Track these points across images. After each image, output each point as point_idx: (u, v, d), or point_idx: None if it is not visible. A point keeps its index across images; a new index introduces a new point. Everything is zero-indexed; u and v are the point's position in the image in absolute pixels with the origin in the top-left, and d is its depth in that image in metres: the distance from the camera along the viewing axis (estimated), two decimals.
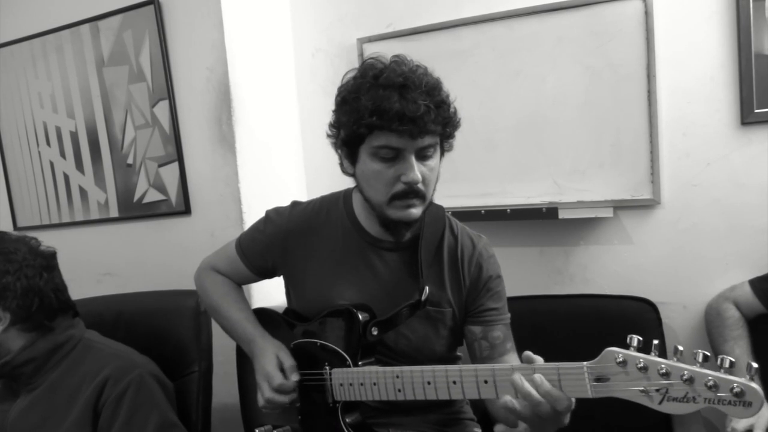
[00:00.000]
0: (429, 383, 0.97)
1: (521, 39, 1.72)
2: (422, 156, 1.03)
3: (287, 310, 1.27)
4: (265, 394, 1.10)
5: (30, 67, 2.06)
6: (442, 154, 1.10)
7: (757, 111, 1.52)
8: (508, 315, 1.19)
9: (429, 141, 1.02)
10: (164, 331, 1.43)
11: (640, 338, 0.80)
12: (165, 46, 1.80)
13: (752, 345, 1.47)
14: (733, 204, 1.58)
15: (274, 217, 1.24)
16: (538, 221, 1.74)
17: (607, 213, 1.67)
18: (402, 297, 1.10)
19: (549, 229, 1.77)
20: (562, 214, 1.68)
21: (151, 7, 1.79)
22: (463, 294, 1.16)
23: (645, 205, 1.65)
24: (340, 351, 1.09)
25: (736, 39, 1.53)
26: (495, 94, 1.76)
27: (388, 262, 1.16)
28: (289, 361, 1.11)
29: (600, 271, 1.74)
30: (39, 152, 2.11)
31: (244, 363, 1.27)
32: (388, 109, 0.97)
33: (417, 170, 1.01)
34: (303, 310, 1.22)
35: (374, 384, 1.03)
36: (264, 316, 1.26)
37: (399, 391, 1.00)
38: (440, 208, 1.19)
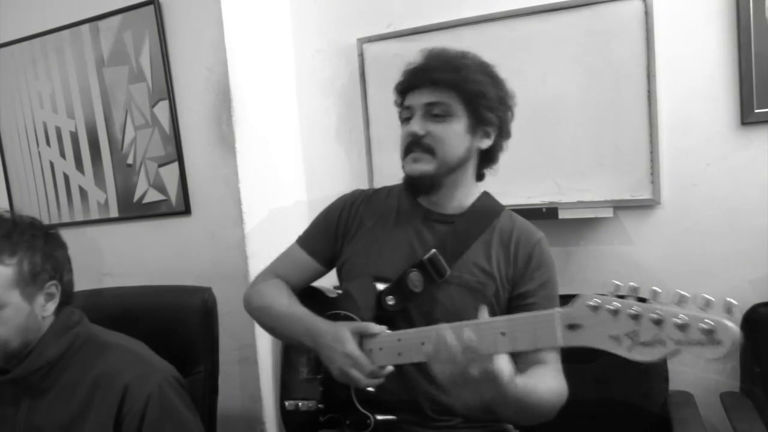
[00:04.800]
0: (423, 344, 0.95)
1: (521, 39, 1.72)
2: (432, 114, 1.11)
3: (335, 288, 1.31)
4: (361, 381, 1.04)
5: (30, 67, 2.06)
6: (475, 128, 1.14)
7: (757, 111, 1.52)
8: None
9: (435, 97, 1.10)
10: (169, 329, 1.37)
11: (620, 283, 0.76)
12: (165, 46, 1.80)
13: (753, 346, 1.47)
14: (733, 204, 1.58)
15: (334, 202, 1.31)
16: (538, 221, 1.72)
17: (607, 213, 1.67)
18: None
19: (549, 229, 1.74)
20: (562, 214, 1.68)
21: (151, 7, 1.79)
22: (511, 275, 1.15)
23: (645, 205, 1.65)
24: (357, 320, 1.12)
25: (736, 39, 1.53)
26: None
27: (435, 232, 1.18)
28: (373, 336, 1.06)
29: (600, 271, 1.74)
30: (39, 152, 2.10)
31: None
32: (409, 70, 1.15)
33: (418, 124, 1.10)
34: (348, 273, 1.24)
35: (380, 349, 1.03)
36: (303, 295, 1.29)
37: (399, 354, 1.00)
38: (500, 204, 1.24)
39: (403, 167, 1.15)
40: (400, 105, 1.18)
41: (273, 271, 1.32)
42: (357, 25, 1.94)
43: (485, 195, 1.23)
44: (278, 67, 2.00)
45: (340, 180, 2.03)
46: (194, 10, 1.75)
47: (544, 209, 1.70)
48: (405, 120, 1.15)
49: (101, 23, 1.89)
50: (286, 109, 2.03)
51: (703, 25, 1.57)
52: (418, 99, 1.12)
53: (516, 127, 1.76)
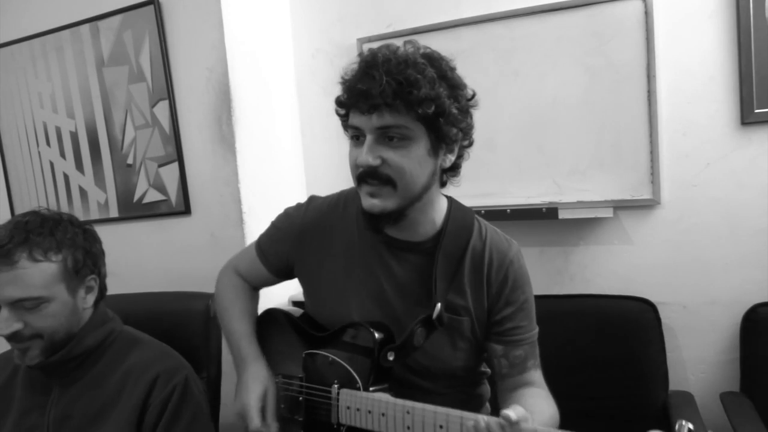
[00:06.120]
0: (441, 427, 0.87)
1: (521, 39, 1.72)
2: (387, 138, 0.92)
3: (304, 315, 1.20)
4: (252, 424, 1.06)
5: (30, 67, 2.06)
6: (437, 148, 0.96)
7: (757, 111, 1.52)
8: (535, 332, 1.07)
9: (390, 121, 0.90)
10: (172, 335, 1.35)
11: (691, 427, 0.70)
12: (165, 46, 1.80)
13: (753, 346, 1.47)
14: (733, 204, 1.58)
15: (291, 212, 1.17)
16: (538, 221, 1.74)
17: (607, 213, 1.67)
18: (415, 300, 1.04)
19: (549, 229, 1.77)
20: (562, 214, 1.68)
21: (151, 7, 1.79)
22: (485, 302, 1.05)
23: (645, 205, 1.65)
24: (352, 372, 1.01)
25: (736, 39, 1.53)
26: (495, 94, 1.76)
27: (404, 262, 1.06)
28: (272, 406, 1.07)
29: (600, 271, 1.74)
30: (39, 152, 2.10)
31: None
32: (351, 85, 0.93)
33: (371, 152, 0.92)
34: (318, 315, 1.15)
35: (383, 415, 0.94)
36: (275, 319, 1.21)
37: (408, 428, 0.91)
38: (469, 213, 1.09)
39: (360, 199, 0.99)
40: (344, 117, 0.99)
41: (235, 268, 1.25)
42: (357, 25, 1.94)
43: (453, 207, 1.09)
44: (278, 67, 2.00)
45: (340, 180, 2.02)
46: (194, 10, 1.76)
47: (544, 209, 1.70)
48: (353, 138, 0.96)
49: (101, 23, 1.89)
50: (286, 109, 2.03)
51: (703, 26, 1.57)
52: (368, 122, 0.91)
53: (516, 126, 1.78)
